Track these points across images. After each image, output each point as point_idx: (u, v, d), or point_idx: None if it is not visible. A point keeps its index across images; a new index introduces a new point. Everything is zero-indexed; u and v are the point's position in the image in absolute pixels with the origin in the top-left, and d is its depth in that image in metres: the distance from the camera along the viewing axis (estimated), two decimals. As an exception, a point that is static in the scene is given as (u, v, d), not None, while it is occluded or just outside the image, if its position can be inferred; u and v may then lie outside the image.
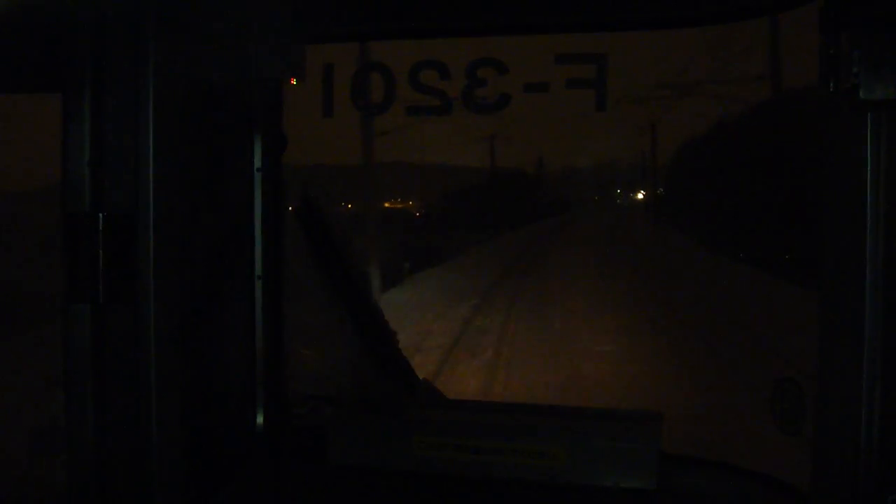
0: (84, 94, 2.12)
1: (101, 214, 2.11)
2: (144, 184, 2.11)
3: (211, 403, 2.84)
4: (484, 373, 12.14)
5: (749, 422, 7.71)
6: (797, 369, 2.64)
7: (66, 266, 2.13)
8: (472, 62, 2.79)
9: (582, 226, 50.13)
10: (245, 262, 2.98)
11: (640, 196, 72.38)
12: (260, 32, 2.82)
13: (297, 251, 3.31)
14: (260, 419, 3.00)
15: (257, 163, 2.97)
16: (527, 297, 20.21)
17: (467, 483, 2.78)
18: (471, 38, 3.19)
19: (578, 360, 12.29)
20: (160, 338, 2.13)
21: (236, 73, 2.81)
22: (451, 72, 2.80)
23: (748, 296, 17.44)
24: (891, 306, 2.06)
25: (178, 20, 2.21)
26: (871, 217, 2.05)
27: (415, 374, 3.56)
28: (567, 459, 2.73)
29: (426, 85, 2.81)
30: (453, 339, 14.77)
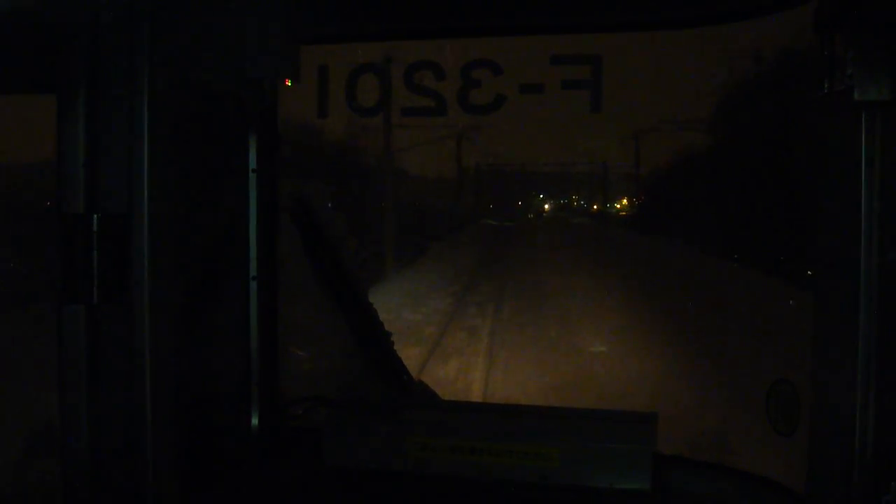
0: (79, 95, 2.11)
1: (95, 215, 2.11)
2: (139, 185, 2.11)
3: (205, 404, 2.84)
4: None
5: (744, 422, 7.71)
6: (792, 370, 2.64)
7: (60, 267, 2.13)
8: (467, 63, 2.79)
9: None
10: (240, 263, 2.97)
11: (547, 206, 70.17)
12: (254, 33, 2.81)
13: (293, 252, 3.31)
14: (254, 420, 3.00)
15: (252, 163, 2.97)
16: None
17: (462, 484, 2.78)
18: (466, 39, 3.19)
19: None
20: (154, 339, 2.13)
21: (231, 74, 2.81)
22: (445, 73, 2.80)
23: (743, 297, 17.43)
24: (885, 307, 2.06)
25: (172, 21, 2.21)
26: (866, 218, 2.06)
27: (409, 374, 3.56)
28: (561, 460, 2.73)
29: (421, 86, 2.81)
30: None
